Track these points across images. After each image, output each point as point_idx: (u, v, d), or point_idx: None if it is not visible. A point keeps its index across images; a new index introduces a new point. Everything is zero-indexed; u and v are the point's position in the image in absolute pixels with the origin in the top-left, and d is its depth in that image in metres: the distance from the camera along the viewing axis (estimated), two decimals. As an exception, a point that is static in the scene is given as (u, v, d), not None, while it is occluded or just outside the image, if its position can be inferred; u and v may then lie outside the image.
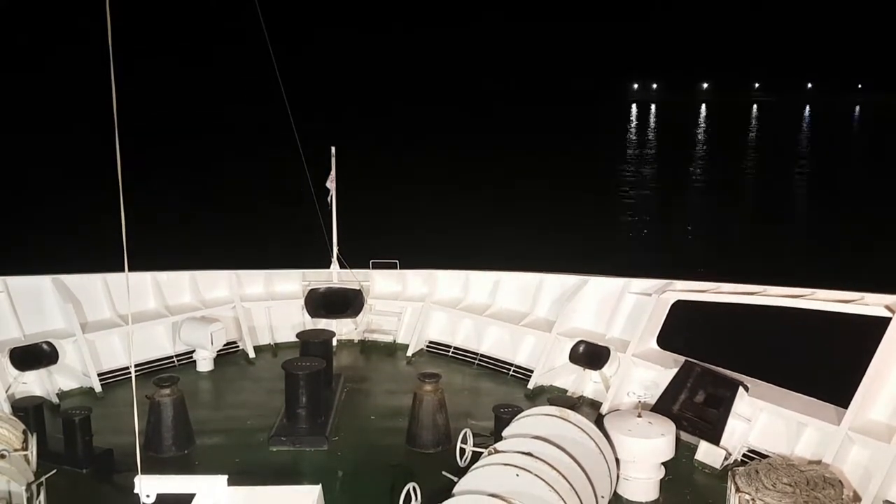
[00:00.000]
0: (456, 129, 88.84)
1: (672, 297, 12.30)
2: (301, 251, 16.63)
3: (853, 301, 10.32)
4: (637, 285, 12.92)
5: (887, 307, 9.87)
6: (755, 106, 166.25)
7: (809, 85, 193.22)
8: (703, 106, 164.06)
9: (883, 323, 9.79)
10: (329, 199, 14.95)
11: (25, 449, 9.46)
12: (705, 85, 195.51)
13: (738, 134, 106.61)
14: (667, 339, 12.49)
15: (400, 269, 15.40)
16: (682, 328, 12.95)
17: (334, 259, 15.35)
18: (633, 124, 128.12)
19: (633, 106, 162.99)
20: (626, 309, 12.95)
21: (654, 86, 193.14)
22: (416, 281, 15.45)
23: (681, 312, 12.51)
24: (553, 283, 14.00)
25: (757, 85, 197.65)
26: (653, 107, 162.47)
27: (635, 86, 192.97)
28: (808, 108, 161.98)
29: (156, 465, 9.89)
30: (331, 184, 14.95)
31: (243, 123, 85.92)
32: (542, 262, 16.25)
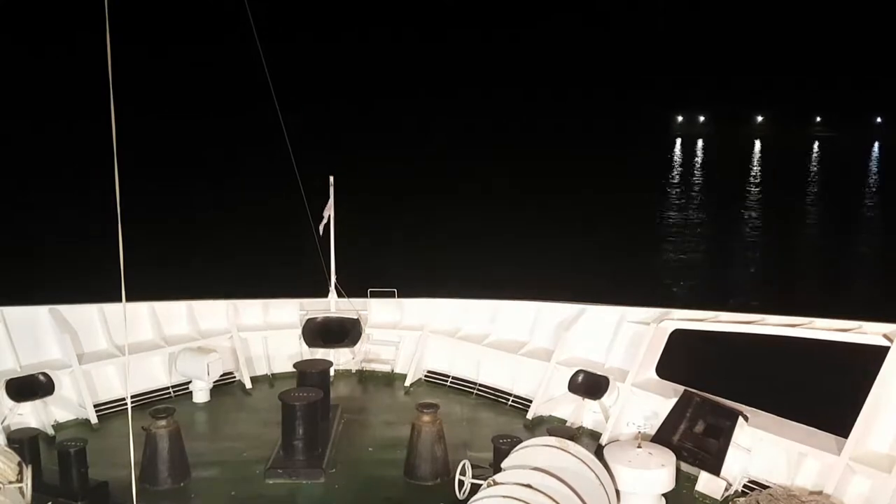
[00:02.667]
0: (456, 156, 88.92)
1: (670, 326, 12.29)
2: (298, 280, 16.60)
3: (851, 330, 10.34)
4: (635, 314, 12.90)
5: (885, 336, 9.88)
6: (816, 143, 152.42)
7: (879, 119, 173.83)
8: (758, 142, 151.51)
9: (881, 352, 9.80)
10: (322, 226, 14.87)
11: (20, 481, 9.33)
12: (760, 118, 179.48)
13: (789, 170, 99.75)
14: (666, 369, 12.45)
15: (398, 297, 15.39)
16: (680, 357, 12.89)
17: (332, 288, 15.32)
18: (676, 159, 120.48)
19: (678, 140, 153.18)
20: (624, 338, 12.92)
21: (701, 118, 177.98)
22: (414, 310, 15.40)
23: (679, 341, 12.49)
24: (551, 312, 13.97)
25: (819, 119, 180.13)
26: (699, 142, 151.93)
27: (679, 118, 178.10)
28: (876, 143, 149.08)
29: (152, 498, 9.80)
30: (328, 212, 14.95)
31: (241, 151, 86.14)
32: (540, 290, 16.22)
